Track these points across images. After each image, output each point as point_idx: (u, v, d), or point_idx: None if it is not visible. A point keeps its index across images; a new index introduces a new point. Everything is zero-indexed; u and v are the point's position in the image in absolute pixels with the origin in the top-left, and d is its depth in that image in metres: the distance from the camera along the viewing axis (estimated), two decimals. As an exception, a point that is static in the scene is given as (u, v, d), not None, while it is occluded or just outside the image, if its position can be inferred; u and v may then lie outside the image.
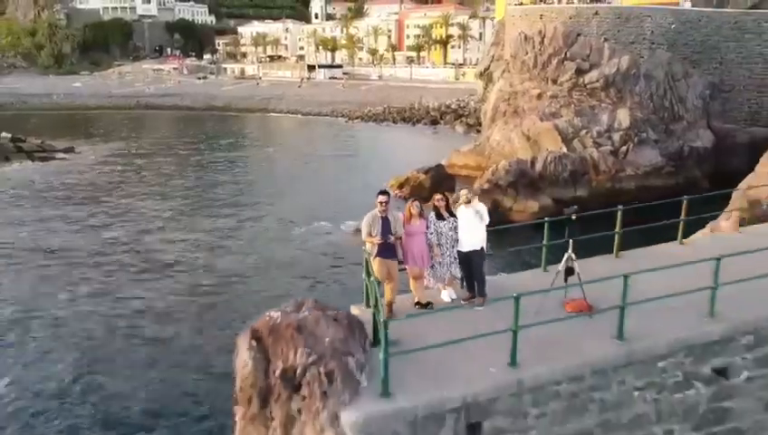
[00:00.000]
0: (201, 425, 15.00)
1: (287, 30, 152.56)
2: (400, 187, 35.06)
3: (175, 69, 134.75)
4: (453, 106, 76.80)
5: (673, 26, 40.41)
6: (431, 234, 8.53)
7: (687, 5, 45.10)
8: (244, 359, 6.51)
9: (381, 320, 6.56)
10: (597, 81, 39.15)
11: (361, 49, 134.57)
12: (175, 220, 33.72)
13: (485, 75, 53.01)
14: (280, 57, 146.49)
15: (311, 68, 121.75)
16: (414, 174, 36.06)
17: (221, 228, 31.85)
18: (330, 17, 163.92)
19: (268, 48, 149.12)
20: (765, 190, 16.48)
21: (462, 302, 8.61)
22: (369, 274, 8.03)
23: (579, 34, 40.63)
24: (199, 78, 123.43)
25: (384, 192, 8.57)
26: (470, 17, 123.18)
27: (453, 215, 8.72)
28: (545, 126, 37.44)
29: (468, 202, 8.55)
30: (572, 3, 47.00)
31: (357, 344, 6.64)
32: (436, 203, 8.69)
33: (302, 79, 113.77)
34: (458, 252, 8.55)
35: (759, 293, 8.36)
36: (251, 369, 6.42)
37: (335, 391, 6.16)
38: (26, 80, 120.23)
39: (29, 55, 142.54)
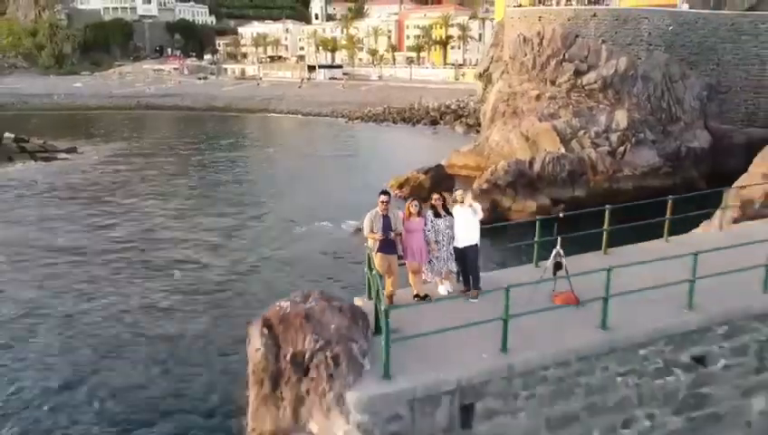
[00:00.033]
0: (207, 420, 15.33)
1: (287, 30, 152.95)
2: (400, 187, 35.49)
3: (175, 69, 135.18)
4: (453, 106, 77.21)
5: (670, 28, 40.85)
6: (429, 231, 9.10)
7: (685, 7, 45.40)
8: (256, 345, 7.09)
9: (383, 309, 7.13)
10: (595, 82, 39.61)
11: (361, 49, 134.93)
12: (178, 219, 34.15)
13: (485, 76, 53.53)
14: (280, 58, 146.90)
15: (311, 68, 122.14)
16: (414, 174, 36.52)
17: (223, 227, 32.26)
18: (330, 18, 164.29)
19: (268, 48, 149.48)
20: (758, 190, 16.97)
21: (458, 294, 9.18)
22: (370, 268, 8.60)
23: (577, 36, 41.08)
24: (200, 78, 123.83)
25: (385, 192, 9.15)
26: (470, 18, 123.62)
27: (449, 213, 9.29)
28: (544, 127, 37.88)
29: (461, 202, 9.12)
30: (571, 5, 47.53)
31: (360, 332, 7.21)
32: (434, 202, 9.27)
33: (303, 79, 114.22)
34: (455, 248, 9.13)
35: (734, 286, 8.94)
36: (263, 354, 7.00)
37: (341, 374, 6.74)
38: (27, 80, 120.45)
39: (30, 55, 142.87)
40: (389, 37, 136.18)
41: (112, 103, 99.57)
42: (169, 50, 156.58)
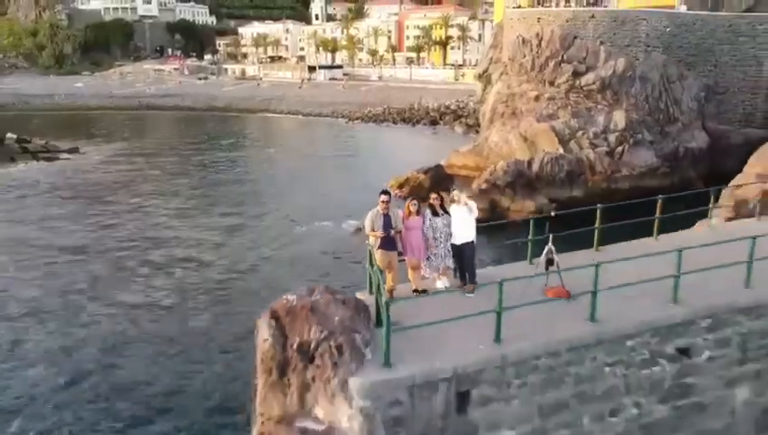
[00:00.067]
0: (209, 416, 15.63)
1: (287, 31, 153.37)
2: (400, 187, 35.85)
3: (176, 69, 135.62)
4: (452, 107, 77.62)
5: (668, 29, 41.13)
6: (427, 229, 9.56)
7: (683, 9, 45.67)
8: (264, 336, 7.55)
9: (384, 302, 7.59)
10: (593, 83, 39.84)
11: (361, 50, 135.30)
12: (180, 219, 34.55)
13: (484, 77, 53.83)
14: (280, 58, 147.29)
15: (311, 69, 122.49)
16: (414, 174, 36.89)
17: (224, 227, 32.62)
18: (330, 18, 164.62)
19: (269, 49, 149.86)
20: (752, 189, 17.37)
21: (455, 289, 9.63)
22: (372, 264, 9.07)
23: (575, 37, 41.34)
24: (200, 78, 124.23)
25: (386, 192, 9.62)
26: (469, 19, 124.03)
27: (447, 212, 9.74)
28: (542, 127, 38.12)
29: (456, 201, 9.58)
30: (569, 6, 47.91)
31: (362, 323, 7.68)
32: (432, 201, 9.74)
33: (303, 80, 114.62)
34: (452, 245, 9.58)
35: (718, 282, 9.39)
36: (271, 344, 7.46)
37: (344, 362, 7.20)
38: (28, 80, 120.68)
39: (30, 56, 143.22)
40: (389, 38, 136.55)
41: (113, 104, 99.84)
42: (170, 50, 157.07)
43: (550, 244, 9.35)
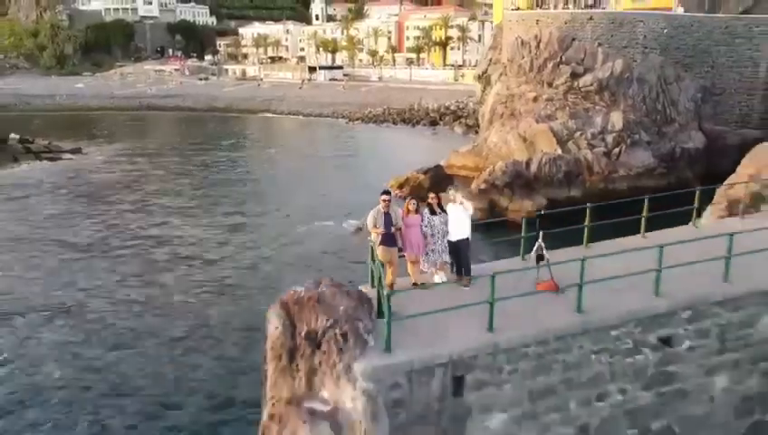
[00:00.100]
0: (215, 410, 16.09)
1: (288, 31, 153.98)
2: (400, 187, 36.32)
3: (176, 70, 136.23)
4: (452, 107, 78.12)
5: (665, 31, 41.58)
6: (425, 226, 10.18)
7: (680, 11, 46.10)
8: (274, 324, 8.18)
9: (385, 294, 8.21)
10: (591, 84, 40.25)
11: (362, 50, 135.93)
12: (182, 218, 35.04)
13: (483, 78, 54.38)
14: (281, 58, 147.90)
15: (311, 69, 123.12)
16: (413, 174, 37.38)
17: (227, 226, 33.11)
18: (330, 19, 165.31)
19: (269, 49, 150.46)
20: (744, 189, 17.90)
21: (451, 282, 10.24)
22: (374, 259, 9.70)
23: (574, 39, 41.83)
24: (201, 79, 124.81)
25: (386, 192, 10.25)
26: (469, 19, 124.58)
27: (444, 211, 10.36)
28: (541, 128, 38.53)
29: (453, 200, 10.20)
30: (568, 8, 48.46)
31: (365, 313, 8.31)
32: (430, 201, 10.38)
33: (303, 80, 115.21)
34: (448, 241, 10.20)
35: (699, 276, 10.01)
36: (280, 332, 8.09)
37: (349, 348, 7.83)
38: (29, 81, 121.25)
39: (31, 56, 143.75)
40: (389, 38, 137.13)
41: (114, 104, 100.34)
42: (170, 51, 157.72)
43: (540, 240, 9.99)
